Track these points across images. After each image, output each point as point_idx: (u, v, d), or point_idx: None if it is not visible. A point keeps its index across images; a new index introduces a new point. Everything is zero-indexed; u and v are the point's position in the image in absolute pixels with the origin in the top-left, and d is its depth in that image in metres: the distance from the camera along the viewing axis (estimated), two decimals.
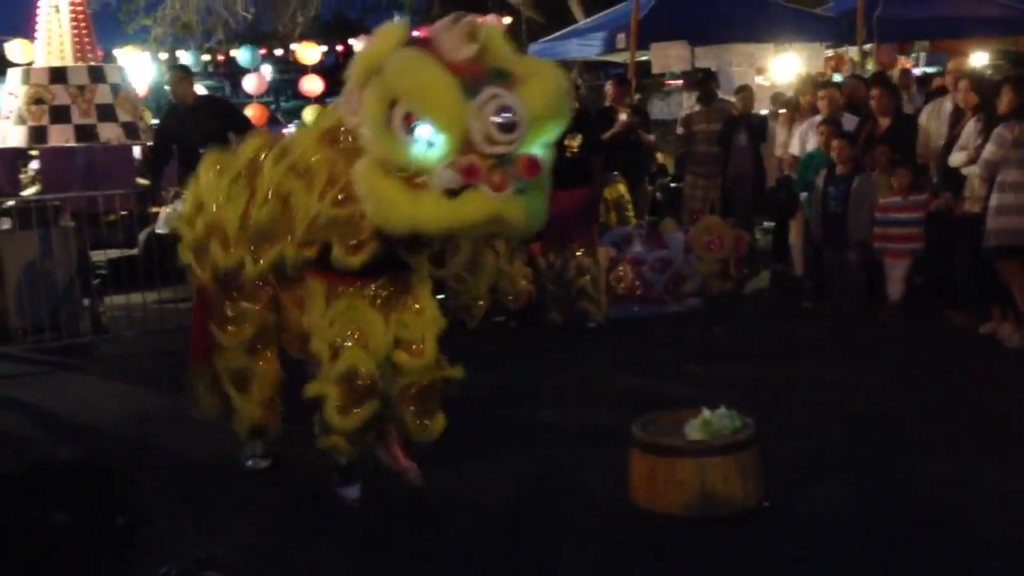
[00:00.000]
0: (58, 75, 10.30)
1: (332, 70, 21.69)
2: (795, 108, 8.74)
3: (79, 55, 10.55)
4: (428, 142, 3.26)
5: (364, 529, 4.04)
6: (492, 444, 5.02)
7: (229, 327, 4.20)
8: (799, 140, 8.19)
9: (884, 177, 7.24)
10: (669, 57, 10.75)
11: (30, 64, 10.91)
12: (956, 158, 6.64)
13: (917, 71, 12.99)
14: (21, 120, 10.18)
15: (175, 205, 8.27)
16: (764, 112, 9.59)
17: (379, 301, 3.88)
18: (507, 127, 3.25)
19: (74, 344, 7.26)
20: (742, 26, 11.00)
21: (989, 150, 6.22)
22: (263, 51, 16.98)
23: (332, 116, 3.88)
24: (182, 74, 8.42)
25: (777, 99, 9.22)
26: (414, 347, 3.97)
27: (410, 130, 3.26)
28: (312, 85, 15.64)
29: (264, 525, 4.16)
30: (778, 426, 4.68)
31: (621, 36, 11.12)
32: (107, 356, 7.00)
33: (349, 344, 3.80)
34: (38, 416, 5.85)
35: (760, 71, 11.38)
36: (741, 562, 3.72)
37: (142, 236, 8.73)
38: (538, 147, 3.44)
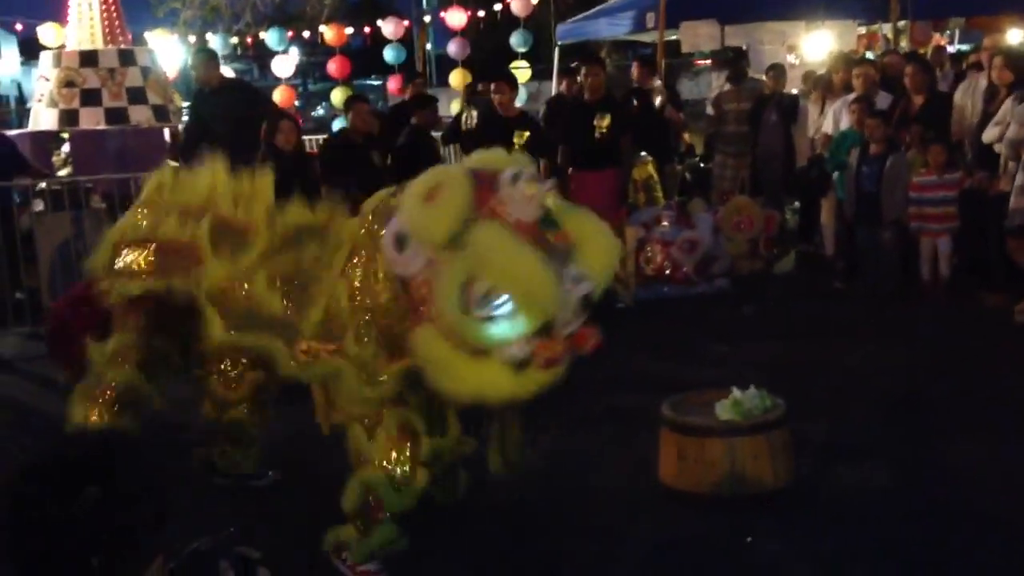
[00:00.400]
0: (89, 58, 10.38)
1: (360, 52, 21.77)
2: (827, 87, 8.63)
3: (109, 38, 10.63)
4: (506, 320, 3.02)
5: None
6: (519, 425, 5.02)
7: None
8: (832, 119, 8.09)
9: (918, 156, 7.15)
10: (699, 36, 10.65)
11: (61, 48, 10.99)
12: (990, 133, 6.55)
13: (951, 48, 12.80)
14: (53, 103, 10.27)
15: None
16: (795, 91, 9.48)
17: None
18: (585, 307, 3.13)
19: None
20: (773, 3, 10.88)
21: (1012, 129, 6.14)
22: (291, 33, 17.01)
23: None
24: (204, 57, 8.41)
25: (809, 78, 9.10)
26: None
27: (489, 306, 3.01)
28: (340, 67, 15.64)
29: (285, 512, 4.19)
30: (808, 406, 4.65)
31: (650, 15, 11.03)
32: None
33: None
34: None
35: (791, 49, 11.25)
36: (769, 541, 3.71)
37: None
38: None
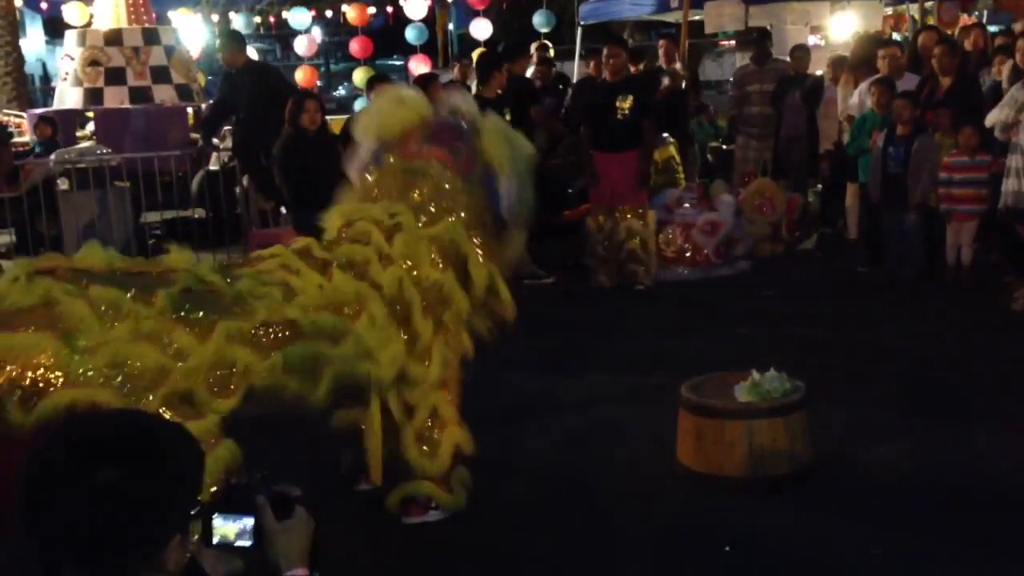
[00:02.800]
0: (113, 37, 10.43)
1: (382, 31, 21.73)
2: (859, 68, 8.53)
3: (134, 17, 10.67)
4: None
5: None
6: (540, 406, 5.06)
7: None
8: (858, 99, 8.03)
9: (946, 138, 7.07)
10: (723, 16, 10.57)
11: (87, 26, 11.05)
12: (991, 117, 6.49)
13: None
14: (78, 82, 10.34)
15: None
16: (819, 72, 9.40)
17: None
18: None
19: None
20: None
21: (1003, 112, 6.12)
22: (313, 13, 17.02)
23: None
24: (230, 39, 8.46)
25: (837, 63, 8.97)
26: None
27: None
28: (362, 47, 15.65)
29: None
30: (829, 390, 4.64)
31: None
32: None
33: None
34: None
35: (815, 30, 11.15)
36: (788, 524, 3.71)
37: (197, 178, 8.88)
38: None
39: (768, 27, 10.20)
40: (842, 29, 10.75)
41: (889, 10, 11.92)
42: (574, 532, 3.75)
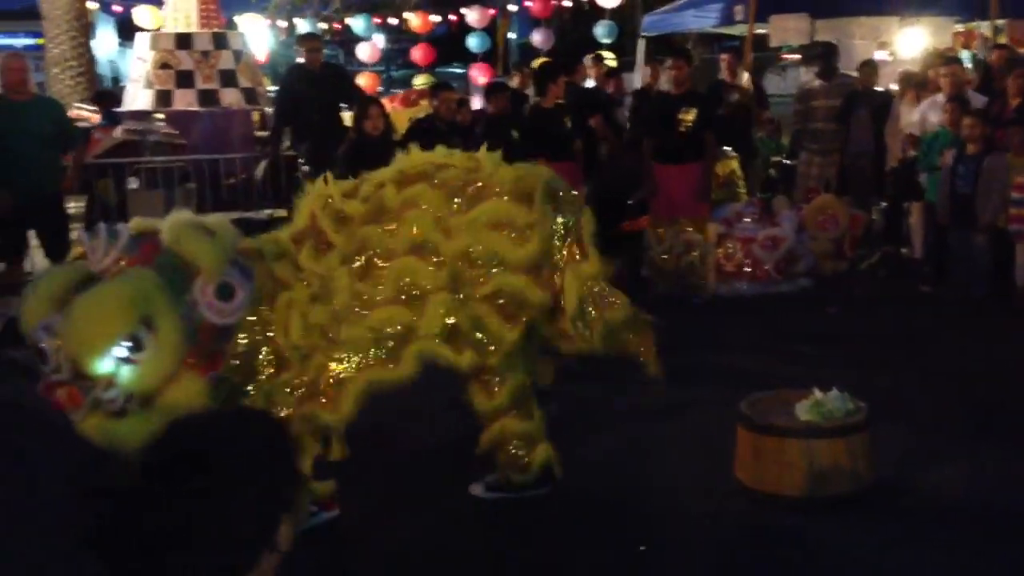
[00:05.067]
0: (184, 41, 10.65)
1: (443, 39, 21.90)
2: (921, 85, 8.41)
3: (204, 22, 10.88)
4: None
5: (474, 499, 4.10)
6: (595, 417, 5.04)
7: None
8: (919, 117, 7.90)
9: (1017, 158, 6.92)
10: (788, 30, 10.48)
11: (159, 30, 11.30)
12: None
13: None
14: (149, 84, 10.57)
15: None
16: (886, 88, 9.26)
17: None
18: (43, 356, 3.25)
19: None
20: None
21: None
22: (377, 20, 17.21)
23: None
24: (317, 42, 8.72)
25: (907, 79, 8.84)
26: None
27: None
28: (423, 54, 15.78)
29: (375, 483, 4.26)
30: (891, 411, 4.56)
31: (739, 8, 10.88)
32: None
33: None
34: None
35: (883, 46, 10.99)
36: (846, 545, 3.66)
37: (262, 164, 9.05)
38: (91, 368, 3.21)
39: (835, 42, 10.07)
40: (911, 45, 10.58)
41: (960, 27, 11.71)
42: (630, 546, 3.72)
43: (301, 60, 8.78)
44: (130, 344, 3.16)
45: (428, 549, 3.74)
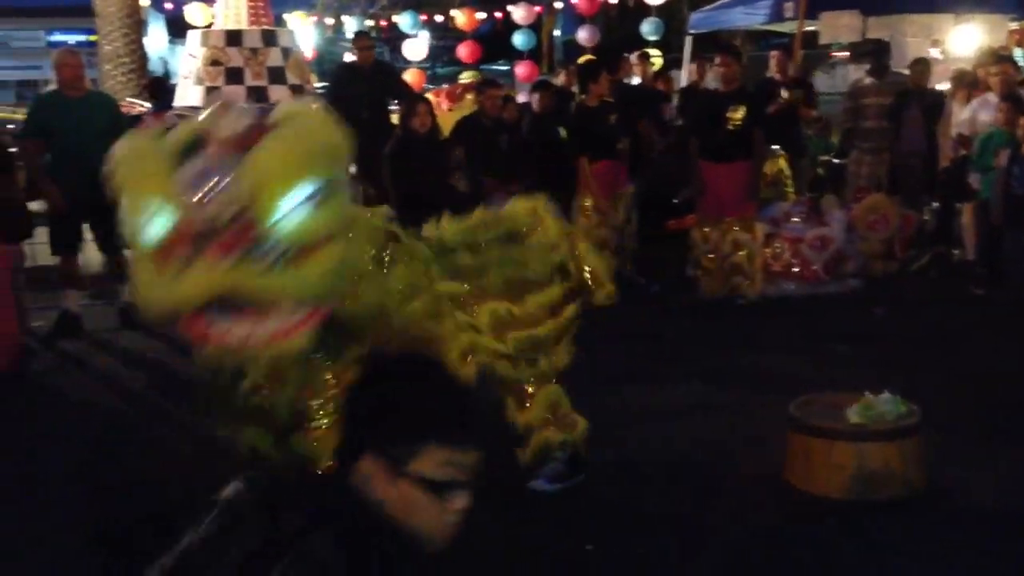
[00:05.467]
0: (233, 38, 10.75)
1: (488, 36, 21.93)
2: (973, 84, 8.27)
3: (253, 19, 10.98)
4: (157, 222, 2.97)
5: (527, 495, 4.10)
6: (640, 416, 5.02)
7: None
8: (969, 115, 7.76)
9: None
10: (839, 27, 10.35)
11: (209, 27, 11.44)
12: None
13: None
14: (199, 80, 10.69)
15: None
16: (940, 87, 9.11)
17: None
18: (204, 190, 2.95)
19: None
20: None
21: None
22: (424, 17, 17.27)
23: None
24: (370, 41, 8.84)
25: (959, 77, 8.70)
26: None
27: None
28: (470, 51, 15.81)
29: None
30: (942, 414, 4.49)
31: (789, 4, 10.76)
32: None
33: None
34: None
35: (936, 43, 10.82)
36: (897, 549, 3.61)
37: None
38: (280, 210, 3.00)
39: (887, 39, 9.93)
40: (964, 43, 10.40)
41: (1015, 25, 11.48)
42: (677, 546, 3.70)
43: (352, 58, 8.88)
44: (312, 192, 3.00)
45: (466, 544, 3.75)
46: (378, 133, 7.48)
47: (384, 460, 1.59)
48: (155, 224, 2.96)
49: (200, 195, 2.94)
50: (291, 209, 2.97)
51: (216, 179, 2.95)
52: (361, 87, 8.23)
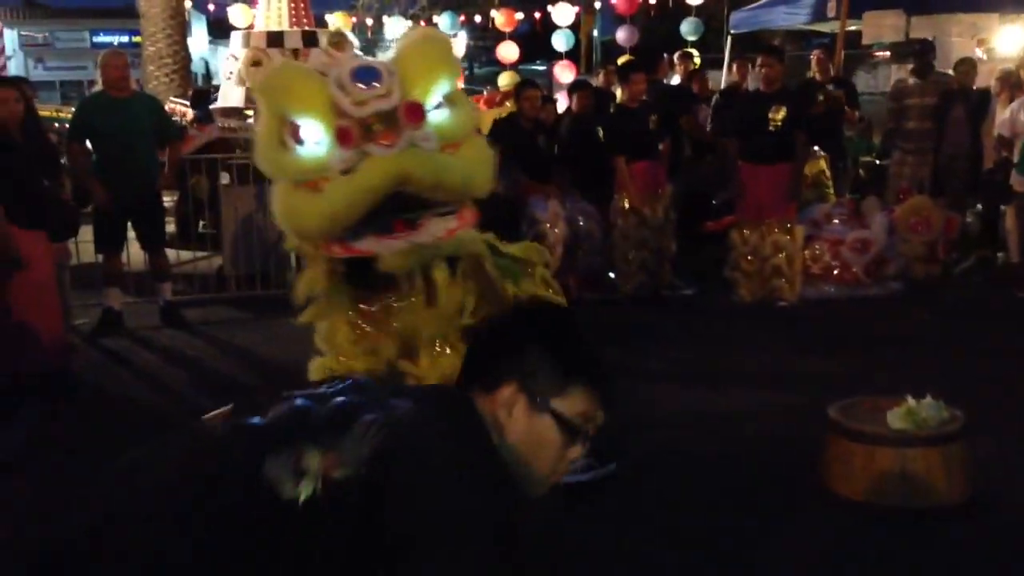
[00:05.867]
0: (275, 39, 10.85)
1: (526, 36, 21.96)
2: (1017, 85, 8.13)
3: (294, 20, 11.08)
4: (316, 142, 3.16)
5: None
6: (681, 421, 4.99)
7: None
8: (1010, 116, 7.63)
9: None
10: (882, 27, 10.22)
11: (251, 28, 11.55)
12: None
13: None
14: (241, 81, 10.80)
15: None
16: (985, 87, 8.97)
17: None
18: (367, 81, 3.13)
19: (280, 295, 7.68)
20: None
21: None
22: (463, 17, 17.31)
23: None
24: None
25: (1004, 77, 8.55)
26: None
27: (298, 140, 3.18)
28: (508, 51, 15.81)
29: None
30: (985, 421, 4.41)
31: (831, 4, 10.64)
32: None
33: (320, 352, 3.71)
34: (249, 358, 6.25)
35: (981, 43, 10.65)
36: (939, 556, 3.56)
37: None
38: (429, 102, 3.22)
39: (931, 39, 9.79)
40: (1009, 43, 10.23)
41: None
42: (713, 551, 3.68)
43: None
44: (448, 91, 3.30)
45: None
46: None
47: (527, 392, 1.63)
48: (315, 138, 3.13)
49: (364, 88, 3.13)
50: (436, 104, 3.23)
51: (376, 73, 3.17)
52: None
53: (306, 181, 3.18)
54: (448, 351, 3.47)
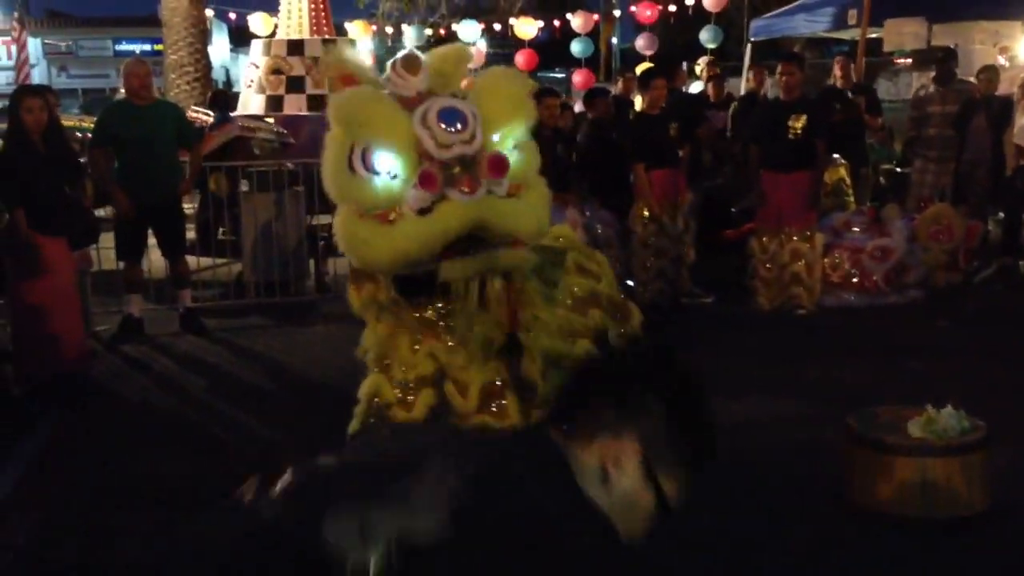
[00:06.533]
0: (295, 47, 10.93)
1: (545, 44, 21.99)
2: None
3: (315, 28, 11.16)
4: (390, 174, 3.17)
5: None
6: None
7: None
8: None
9: None
10: (904, 34, 10.17)
11: (272, 36, 11.63)
12: None
13: None
14: (261, 89, 10.88)
15: None
16: (1007, 95, 8.91)
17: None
18: (452, 124, 3.15)
19: (300, 302, 7.72)
20: (987, 1, 10.23)
21: None
22: (482, 26, 17.36)
23: None
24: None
25: None
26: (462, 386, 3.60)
27: (370, 168, 3.19)
28: (527, 59, 15.85)
29: None
30: (1006, 430, 4.37)
31: (853, 12, 10.60)
32: (329, 314, 7.36)
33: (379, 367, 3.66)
34: (269, 366, 6.28)
35: (1004, 51, 10.58)
36: (958, 567, 3.53)
37: None
38: (506, 148, 3.27)
39: (953, 46, 9.74)
40: None
41: None
42: (732, 560, 3.66)
43: None
44: (521, 135, 3.34)
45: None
46: None
47: (643, 455, 1.61)
48: (389, 169, 3.14)
49: (449, 131, 3.15)
50: (511, 148, 3.28)
51: (462, 116, 3.19)
52: None
53: (376, 212, 3.20)
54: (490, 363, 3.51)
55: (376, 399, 3.61)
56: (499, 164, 3.16)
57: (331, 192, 3.31)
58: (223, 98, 10.39)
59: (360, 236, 3.22)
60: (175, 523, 3.94)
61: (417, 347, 3.53)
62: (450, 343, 3.49)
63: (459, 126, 3.16)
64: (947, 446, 3.78)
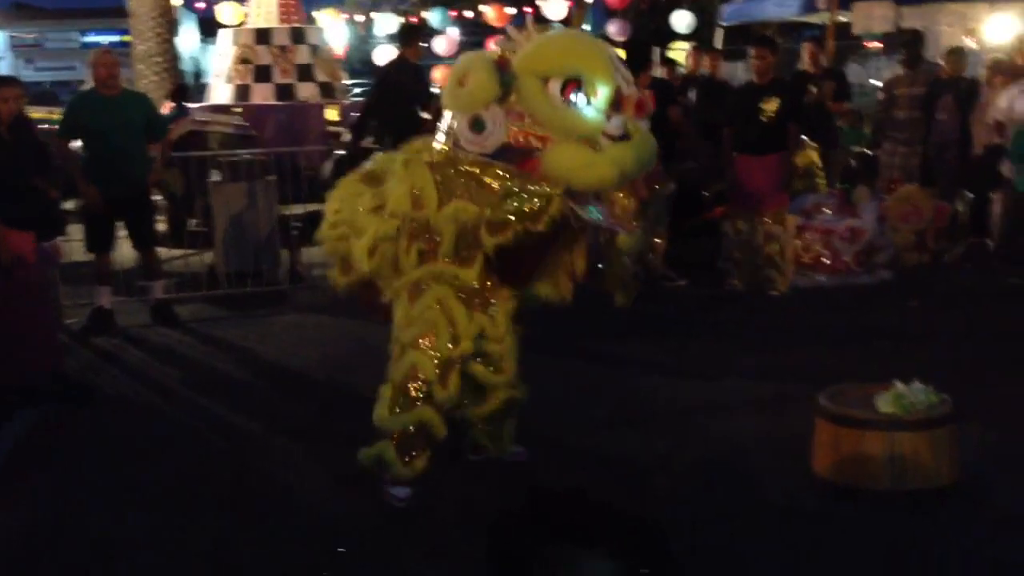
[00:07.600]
0: (263, 36, 10.86)
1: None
2: (1010, 72, 8.15)
3: (284, 17, 11.07)
4: (587, 105, 3.52)
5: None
6: (669, 410, 5.01)
7: None
8: (1006, 103, 7.65)
9: None
10: (872, 18, 10.24)
11: (240, 25, 11.53)
12: None
13: None
14: (228, 79, 10.80)
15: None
16: (974, 76, 8.99)
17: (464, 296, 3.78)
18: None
19: (273, 291, 7.68)
20: None
21: None
22: (454, 13, 17.30)
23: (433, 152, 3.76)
24: (419, 36, 8.87)
25: (995, 65, 8.56)
26: (494, 361, 3.91)
27: (569, 101, 3.51)
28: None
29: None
30: (976, 408, 4.43)
31: None
32: (302, 303, 7.35)
33: (421, 344, 3.74)
34: (242, 356, 6.25)
35: (970, 32, 10.67)
36: (927, 540, 3.58)
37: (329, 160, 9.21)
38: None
39: (921, 29, 9.81)
40: (999, 32, 10.25)
41: None
42: (707, 540, 3.69)
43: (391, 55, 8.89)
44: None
45: None
46: (407, 125, 7.49)
47: None
48: (586, 101, 3.49)
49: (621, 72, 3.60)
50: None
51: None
52: (415, 84, 8.29)
53: (584, 138, 3.51)
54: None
55: (419, 379, 3.74)
56: (645, 105, 3.66)
57: (552, 125, 3.51)
58: (183, 92, 10.33)
59: (582, 160, 3.50)
60: (155, 518, 3.92)
61: (471, 314, 3.76)
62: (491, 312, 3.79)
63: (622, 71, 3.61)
64: (915, 420, 3.83)
